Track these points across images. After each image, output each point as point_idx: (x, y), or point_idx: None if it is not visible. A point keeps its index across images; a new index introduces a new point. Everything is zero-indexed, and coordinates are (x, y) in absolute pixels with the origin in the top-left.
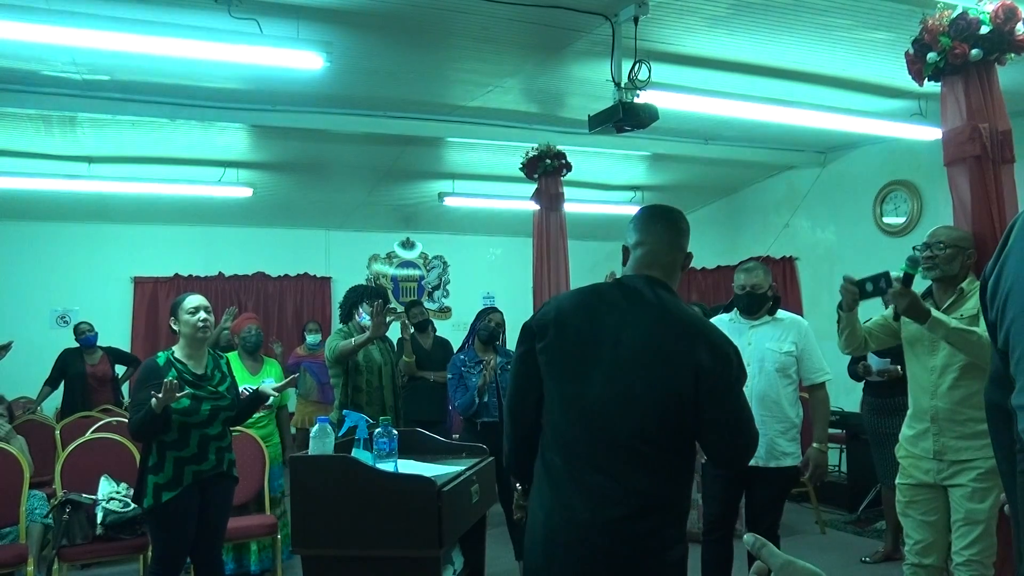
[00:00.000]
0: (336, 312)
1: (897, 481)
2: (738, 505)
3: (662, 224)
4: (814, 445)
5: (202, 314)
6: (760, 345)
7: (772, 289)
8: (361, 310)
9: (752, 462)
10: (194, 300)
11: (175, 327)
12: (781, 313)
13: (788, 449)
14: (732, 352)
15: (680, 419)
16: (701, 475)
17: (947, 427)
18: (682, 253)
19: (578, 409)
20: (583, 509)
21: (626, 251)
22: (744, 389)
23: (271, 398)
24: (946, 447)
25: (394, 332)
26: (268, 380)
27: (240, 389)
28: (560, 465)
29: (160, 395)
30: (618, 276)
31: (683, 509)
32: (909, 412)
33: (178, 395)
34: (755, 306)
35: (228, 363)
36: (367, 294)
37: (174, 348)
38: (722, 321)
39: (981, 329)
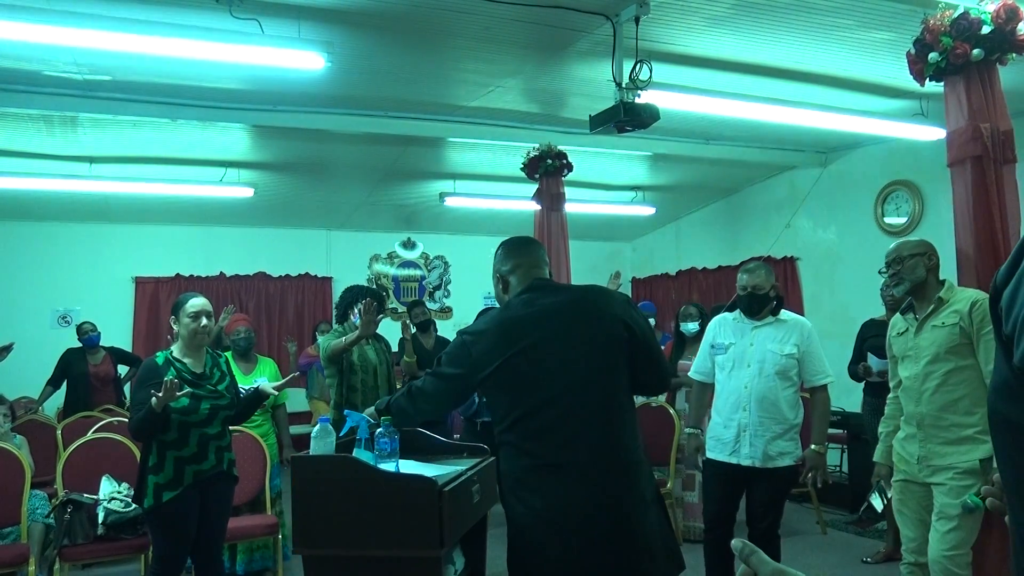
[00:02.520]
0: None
1: (893, 479)
2: (738, 503)
3: (530, 246)
4: (812, 447)
5: (203, 320)
6: (762, 346)
7: (774, 289)
8: (356, 310)
9: (750, 462)
10: (196, 304)
11: (175, 326)
12: (785, 314)
13: (786, 449)
14: (626, 296)
15: (627, 367)
16: (701, 474)
17: (932, 433)
18: (549, 267)
19: (560, 405)
20: (579, 486)
21: (504, 281)
22: (743, 389)
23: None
24: (931, 452)
25: (394, 332)
26: (261, 379)
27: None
28: (540, 458)
29: (160, 394)
30: (619, 278)
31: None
32: (903, 417)
33: (178, 394)
34: (757, 306)
35: (227, 362)
36: (362, 294)
37: (172, 347)
38: (726, 320)
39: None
